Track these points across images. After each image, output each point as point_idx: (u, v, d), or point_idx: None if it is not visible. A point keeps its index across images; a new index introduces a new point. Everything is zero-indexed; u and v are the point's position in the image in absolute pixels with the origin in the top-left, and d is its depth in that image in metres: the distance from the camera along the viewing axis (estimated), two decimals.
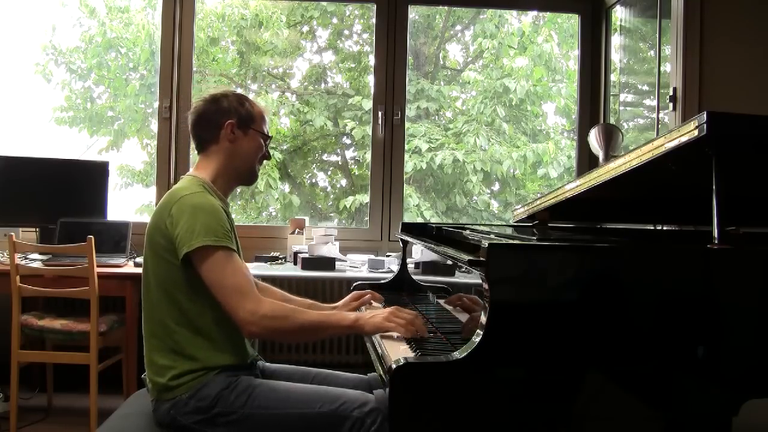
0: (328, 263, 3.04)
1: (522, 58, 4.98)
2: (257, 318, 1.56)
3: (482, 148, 4.88)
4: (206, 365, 1.62)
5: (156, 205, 1.86)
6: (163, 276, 1.65)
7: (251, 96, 1.96)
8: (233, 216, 1.87)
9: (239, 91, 2.05)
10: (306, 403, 1.58)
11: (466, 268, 1.52)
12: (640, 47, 3.80)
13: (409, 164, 4.79)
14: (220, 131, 1.76)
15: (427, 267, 2.88)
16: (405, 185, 4.46)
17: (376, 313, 1.62)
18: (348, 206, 4.79)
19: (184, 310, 1.63)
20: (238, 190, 4.30)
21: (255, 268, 2.97)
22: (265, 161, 1.87)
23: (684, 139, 1.30)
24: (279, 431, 1.57)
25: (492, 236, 1.51)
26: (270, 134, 1.87)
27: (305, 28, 5.18)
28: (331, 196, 5.30)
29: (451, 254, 1.59)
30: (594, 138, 2.89)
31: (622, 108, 3.90)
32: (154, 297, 1.66)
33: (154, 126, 3.94)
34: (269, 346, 3.42)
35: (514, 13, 5.08)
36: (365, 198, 4.65)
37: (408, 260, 2.36)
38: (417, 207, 4.81)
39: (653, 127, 3.37)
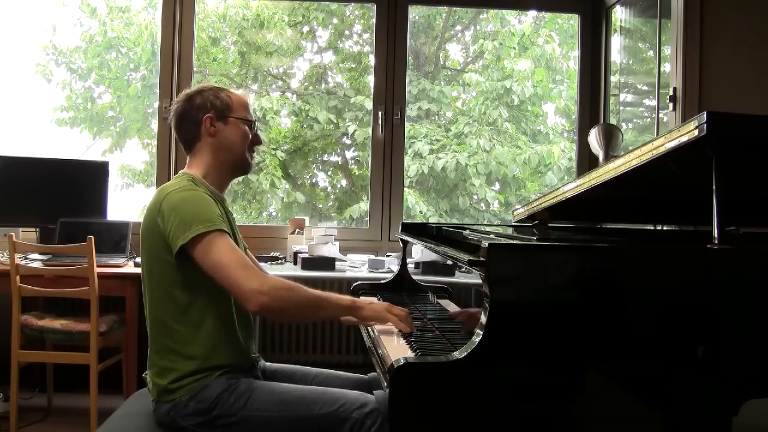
0: (328, 263, 3.03)
1: (523, 61, 4.97)
2: (267, 288, 1.53)
3: (484, 150, 4.88)
4: (206, 365, 1.61)
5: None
6: (161, 275, 1.64)
7: (252, 95, 1.94)
8: (234, 215, 1.87)
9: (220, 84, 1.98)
10: (305, 405, 1.58)
11: (466, 268, 1.52)
12: (640, 47, 3.79)
13: (413, 168, 4.78)
14: (200, 127, 1.74)
15: (427, 267, 2.88)
16: (408, 190, 4.45)
17: (374, 301, 1.64)
18: (353, 215, 4.79)
19: (182, 307, 1.62)
20: (235, 187, 4.26)
21: None
22: (257, 147, 1.84)
23: (684, 139, 1.30)
24: None
25: (492, 236, 1.51)
26: (253, 118, 1.82)
27: (305, 28, 5.18)
28: (332, 196, 5.30)
29: (451, 254, 1.59)
30: (594, 138, 2.88)
31: (622, 108, 3.90)
32: (154, 297, 1.66)
33: (155, 126, 3.94)
34: (269, 345, 3.42)
35: (515, 14, 5.08)
36: (367, 206, 4.65)
37: (408, 260, 2.36)
38: (422, 213, 4.80)
39: (653, 127, 3.37)
